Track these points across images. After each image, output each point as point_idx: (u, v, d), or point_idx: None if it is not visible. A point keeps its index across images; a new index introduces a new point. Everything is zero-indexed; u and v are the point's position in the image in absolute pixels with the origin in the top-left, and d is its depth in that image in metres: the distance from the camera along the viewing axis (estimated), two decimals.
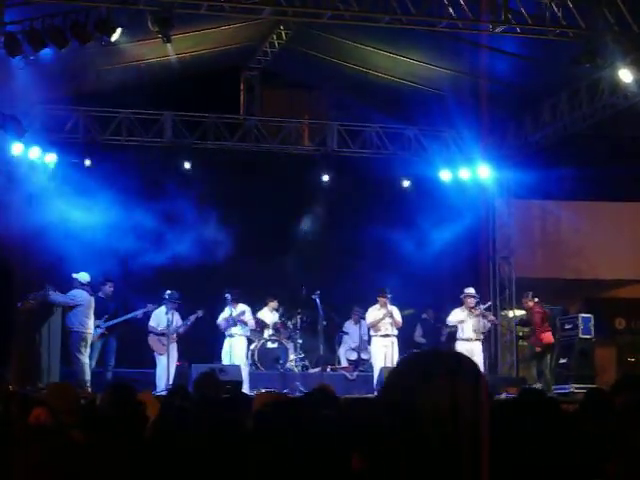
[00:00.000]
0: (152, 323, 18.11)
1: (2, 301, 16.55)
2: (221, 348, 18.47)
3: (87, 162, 20.02)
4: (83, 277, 17.64)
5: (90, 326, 17.47)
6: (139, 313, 18.22)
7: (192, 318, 18.07)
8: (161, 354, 17.91)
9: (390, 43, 19.13)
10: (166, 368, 17.67)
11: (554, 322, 20.13)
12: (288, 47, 20.64)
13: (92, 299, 17.60)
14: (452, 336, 19.29)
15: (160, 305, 18.13)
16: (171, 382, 17.18)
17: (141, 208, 19.78)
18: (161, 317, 18.03)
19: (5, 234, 16.67)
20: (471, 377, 2.07)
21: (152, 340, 18.06)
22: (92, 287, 17.89)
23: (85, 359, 17.36)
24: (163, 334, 17.90)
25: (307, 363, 19.24)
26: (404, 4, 15.33)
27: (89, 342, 17.51)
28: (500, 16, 15.45)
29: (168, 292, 18.00)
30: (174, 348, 17.96)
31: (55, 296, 17.23)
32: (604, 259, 22.43)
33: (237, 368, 17.52)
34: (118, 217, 19.65)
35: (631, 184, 21.71)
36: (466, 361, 2.13)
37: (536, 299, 19.63)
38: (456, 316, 18.80)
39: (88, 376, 17.16)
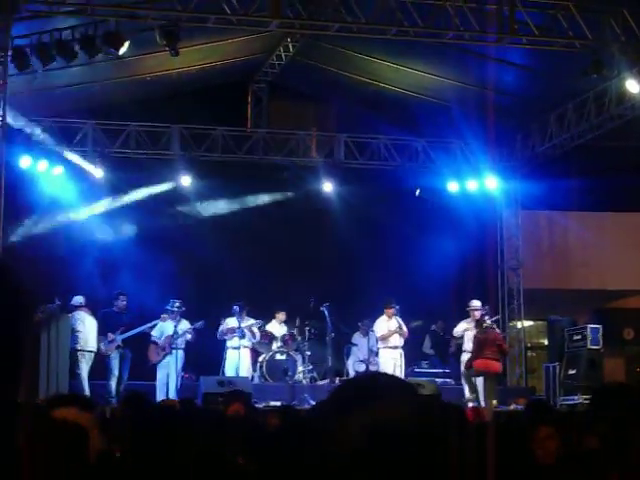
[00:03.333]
0: (154, 333, 18.15)
1: (10, 314, 16.55)
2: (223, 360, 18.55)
3: (98, 174, 20.11)
4: (76, 300, 17.89)
5: (85, 343, 17.59)
6: (150, 326, 18.24)
7: (190, 330, 18.00)
8: (155, 363, 17.92)
9: (397, 55, 19.17)
10: (164, 379, 17.69)
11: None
12: (295, 59, 20.67)
13: (89, 318, 17.82)
14: (460, 348, 19.27)
15: (161, 316, 18.22)
16: (171, 393, 17.20)
17: (148, 220, 19.85)
18: (164, 327, 18.09)
19: (14, 246, 16.71)
20: (399, 405, 2.04)
21: (150, 350, 18.09)
22: (105, 301, 18.44)
23: (83, 374, 17.52)
24: (164, 345, 17.92)
25: (315, 375, 19.23)
26: (411, 16, 15.37)
27: (85, 359, 17.63)
28: (506, 27, 15.46)
29: (170, 301, 18.13)
30: (179, 357, 17.90)
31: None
32: (612, 269, 22.38)
33: (246, 380, 17.54)
34: (126, 229, 19.71)
35: (639, 194, 21.69)
36: (395, 387, 2.09)
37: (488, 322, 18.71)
38: (460, 327, 18.83)
39: (86, 391, 17.18)
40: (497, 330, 18.91)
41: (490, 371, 17.97)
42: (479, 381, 18.11)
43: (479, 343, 18.12)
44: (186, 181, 20.71)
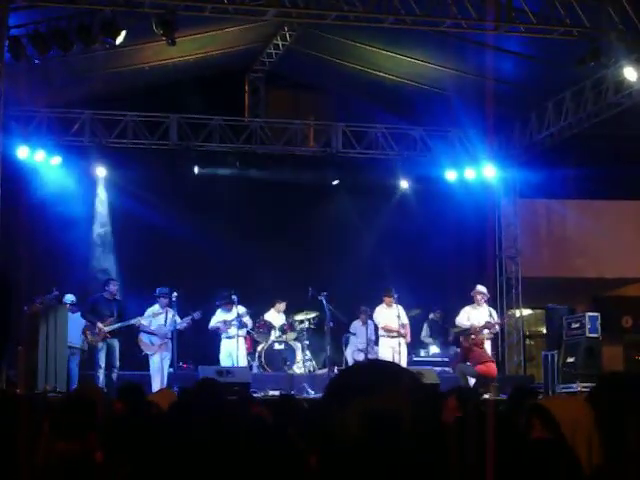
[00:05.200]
0: (144, 322, 18.08)
1: (9, 304, 16.57)
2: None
3: (99, 171, 20.17)
4: (67, 298, 17.93)
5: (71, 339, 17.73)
6: (140, 319, 18.17)
7: (187, 319, 17.98)
8: (150, 353, 17.91)
9: (394, 43, 19.13)
10: (159, 368, 17.68)
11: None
12: (293, 49, 20.64)
13: (74, 315, 17.91)
14: (458, 337, 19.20)
15: (152, 304, 18.13)
16: (164, 383, 17.20)
17: (147, 210, 19.83)
18: (153, 317, 18.03)
19: (11, 237, 16.71)
20: (398, 392, 2.04)
21: (141, 340, 18.05)
22: (97, 288, 18.42)
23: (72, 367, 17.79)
24: (155, 334, 17.90)
25: (314, 364, 19.24)
26: (408, 4, 15.34)
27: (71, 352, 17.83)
28: (504, 15, 15.44)
29: (158, 289, 18.04)
30: (168, 349, 17.90)
31: None
32: (610, 258, 22.39)
33: (245, 370, 17.54)
34: (123, 219, 19.71)
35: (637, 182, 21.69)
36: (393, 375, 2.09)
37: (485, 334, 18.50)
38: (463, 316, 18.66)
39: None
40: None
41: (492, 375, 17.93)
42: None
43: (470, 348, 18.04)
44: (183, 170, 20.73)
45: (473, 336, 18.07)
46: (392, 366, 2.15)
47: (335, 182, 21.51)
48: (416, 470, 1.99)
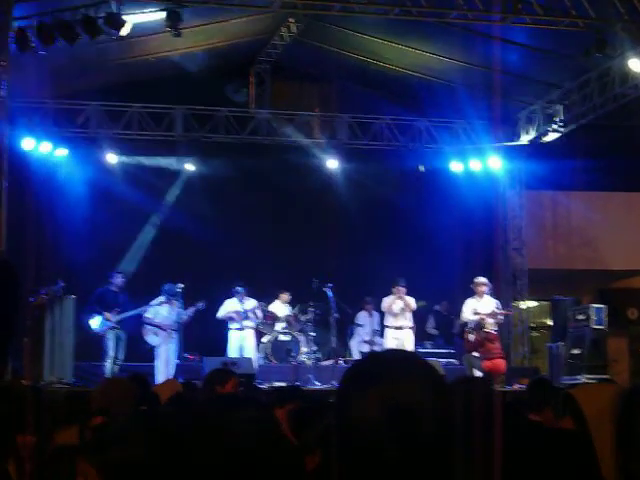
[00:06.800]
0: (148, 315, 18.08)
1: (15, 295, 16.57)
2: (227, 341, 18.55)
3: (110, 159, 20.17)
4: None
5: None
6: (147, 308, 18.17)
7: (192, 310, 18.00)
8: (156, 345, 17.93)
9: (400, 35, 19.11)
10: (164, 360, 17.70)
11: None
12: (298, 40, 20.61)
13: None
14: (464, 330, 19.21)
15: (158, 297, 18.14)
16: (171, 375, 17.21)
17: (152, 201, 19.86)
18: (158, 309, 18.03)
19: (17, 228, 16.72)
20: (416, 381, 2.05)
21: (146, 332, 18.06)
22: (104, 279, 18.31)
23: None
24: (159, 326, 17.92)
25: (319, 356, 19.26)
26: None
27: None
28: (510, 7, 15.42)
29: (166, 285, 18.04)
30: (173, 341, 17.94)
31: None
32: (616, 249, 22.38)
33: (249, 361, 17.55)
34: (128, 210, 19.71)
35: None
36: (411, 364, 2.11)
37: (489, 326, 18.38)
38: (468, 310, 18.61)
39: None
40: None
41: (499, 372, 17.90)
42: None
43: (481, 342, 18.04)
44: (188, 162, 20.75)
45: (486, 330, 18.05)
46: (409, 355, 2.17)
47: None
48: (436, 458, 2.01)
